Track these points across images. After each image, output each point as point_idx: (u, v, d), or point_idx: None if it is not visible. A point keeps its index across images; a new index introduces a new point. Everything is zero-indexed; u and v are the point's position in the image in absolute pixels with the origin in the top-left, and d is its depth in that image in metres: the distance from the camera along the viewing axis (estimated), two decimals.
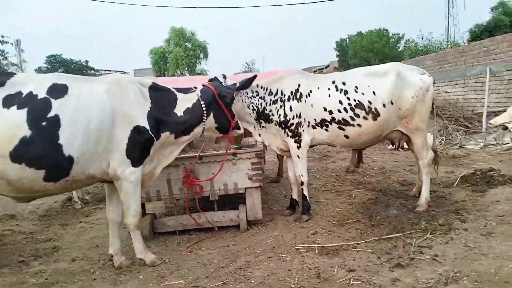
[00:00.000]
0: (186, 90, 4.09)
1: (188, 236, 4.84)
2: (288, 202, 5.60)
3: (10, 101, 3.20)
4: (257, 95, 4.88)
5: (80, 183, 3.62)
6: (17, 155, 3.11)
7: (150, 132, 3.74)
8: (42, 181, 3.28)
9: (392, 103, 4.69)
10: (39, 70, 46.78)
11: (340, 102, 4.72)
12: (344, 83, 4.79)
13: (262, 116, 4.91)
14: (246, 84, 4.59)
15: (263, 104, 4.88)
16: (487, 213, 4.63)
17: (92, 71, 48.28)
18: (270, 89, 4.93)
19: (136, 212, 3.86)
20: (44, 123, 3.21)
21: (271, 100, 4.90)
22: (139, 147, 3.71)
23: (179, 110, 3.97)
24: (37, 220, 6.29)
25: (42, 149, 3.18)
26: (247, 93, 4.83)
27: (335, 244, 4.13)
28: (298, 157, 4.93)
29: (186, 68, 43.05)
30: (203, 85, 4.14)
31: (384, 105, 4.68)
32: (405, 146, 5.99)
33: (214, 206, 4.94)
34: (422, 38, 24.60)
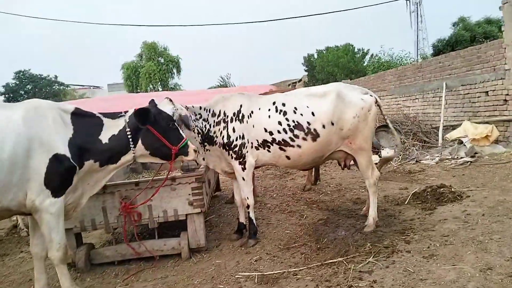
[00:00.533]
0: (114, 115, 3.88)
1: (128, 267, 4.59)
2: None
3: None
4: (200, 117, 4.73)
5: None
6: None
7: (71, 160, 3.52)
8: None
9: (332, 123, 4.63)
10: (7, 86, 45.52)
11: (280, 123, 4.63)
12: (284, 104, 4.71)
13: (207, 139, 4.75)
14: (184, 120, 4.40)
15: (207, 126, 4.73)
16: (432, 233, 4.58)
17: (62, 87, 47.33)
18: (213, 110, 4.80)
19: (59, 246, 3.59)
20: None
21: (214, 121, 4.77)
22: (59, 176, 3.47)
23: (104, 137, 3.75)
24: None
25: None
26: (190, 117, 4.66)
27: (276, 272, 3.98)
28: (243, 179, 4.79)
29: (159, 83, 42.70)
30: (135, 110, 3.92)
31: (323, 126, 4.61)
32: None
33: (155, 233, 4.71)
34: (384, 54, 25.16)
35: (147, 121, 3.76)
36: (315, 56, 32.33)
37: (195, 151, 3.94)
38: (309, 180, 7.49)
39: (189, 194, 4.50)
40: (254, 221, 4.91)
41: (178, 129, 3.94)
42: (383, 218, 5.25)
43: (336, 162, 5.40)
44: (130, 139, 3.76)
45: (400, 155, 9.10)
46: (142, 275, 4.35)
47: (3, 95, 45.22)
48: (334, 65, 27.19)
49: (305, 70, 33.53)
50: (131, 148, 3.78)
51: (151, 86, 41.63)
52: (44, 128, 3.44)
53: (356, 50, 29.19)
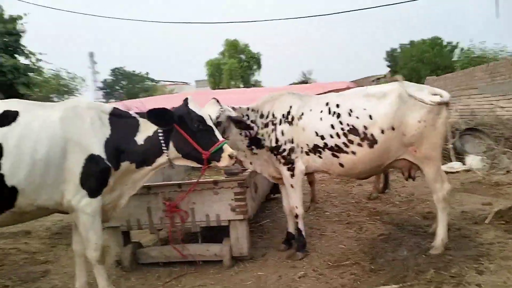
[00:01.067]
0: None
1: (171, 269, 4.52)
2: None
3: None
4: (248, 119, 4.49)
5: (30, 215, 3.44)
6: None
7: (106, 162, 3.48)
8: None
9: (393, 128, 4.08)
10: (104, 82, 49.90)
11: (332, 127, 4.20)
12: (338, 105, 4.26)
13: (254, 142, 4.49)
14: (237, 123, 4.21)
15: (255, 128, 4.47)
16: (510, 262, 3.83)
17: (153, 83, 50.56)
18: (262, 112, 4.53)
19: (96, 246, 3.60)
20: None
21: (262, 123, 4.49)
22: (94, 177, 3.46)
23: (139, 139, 3.66)
24: (48, 238, 6.30)
25: None
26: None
27: None
28: (292, 186, 4.45)
29: (240, 79, 43.58)
30: (148, 110, 3.74)
31: (382, 131, 4.08)
32: None
33: (198, 238, 4.58)
34: (474, 47, 22.54)
35: (165, 122, 3.58)
36: (398, 50, 30.37)
37: (230, 157, 3.63)
38: (376, 188, 6.88)
39: (232, 199, 4.28)
40: (303, 232, 4.55)
41: (212, 132, 3.68)
42: (455, 239, 4.56)
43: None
44: (163, 142, 3.62)
45: (488, 163, 7.99)
46: (183, 280, 4.24)
47: (101, 90, 49.64)
48: (418, 60, 25.12)
49: (388, 66, 31.68)
50: (164, 151, 3.65)
51: (232, 83, 42.64)
52: (80, 129, 3.44)
53: (444, 43, 26.64)
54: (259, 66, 44.70)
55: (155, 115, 3.53)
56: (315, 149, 4.30)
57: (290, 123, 4.36)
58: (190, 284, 4.11)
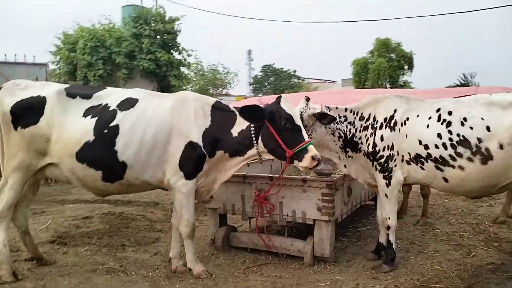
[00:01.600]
0: None
1: (257, 257, 4.76)
2: None
3: (89, 111, 3.84)
4: (345, 120, 4.40)
5: (137, 187, 4.05)
6: (80, 156, 3.73)
7: (202, 149, 3.88)
8: (101, 181, 3.82)
9: None
10: (255, 78, 53.26)
11: (439, 136, 3.82)
12: (450, 113, 3.85)
13: (350, 145, 4.39)
14: (321, 117, 4.21)
15: (352, 130, 4.37)
16: None
17: (299, 80, 51.96)
18: (362, 114, 4.39)
19: (188, 222, 4.05)
20: (105, 131, 3.73)
21: (361, 126, 4.35)
22: (191, 161, 3.89)
23: (235, 131, 3.96)
24: (170, 210, 7.14)
25: (100, 153, 3.71)
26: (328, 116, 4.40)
27: None
28: (387, 196, 4.22)
29: (388, 79, 41.59)
30: (241, 106, 3.97)
31: (501, 146, 3.57)
32: None
33: (284, 231, 4.71)
34: None
35: (256, 119, 3.78)
36: None
37: (313, 158, 3.66)
38: (504, 211, 5.97)
39: (319, 199, 4.28)
40: (394, 245, 4.28)
41: (299, 131, 3.76)
42: None
43: None
44: (253, 136, 3.85)
45: None
46: (264, 268, 4.43)
47: (251, 85, 53.07)
48: None
49: None
50: (254, 144, 3.87)
51: (379, 83, 40.93)
52: (185, 118, 3.91)
53: None
54: (410, 66, 41.87)
55: (246, 111, 3.78)
56: (417, 159, 3.99)
57: (392, 128, 4.12)
58: (269, 274, 4.27)
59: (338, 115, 4.39)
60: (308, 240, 4.47)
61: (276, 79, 52.26)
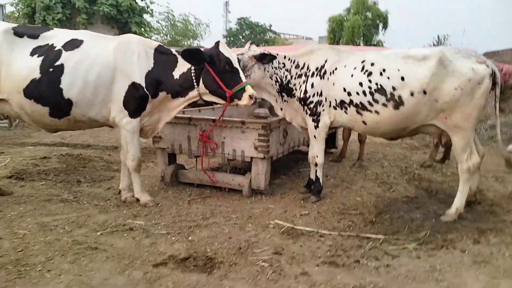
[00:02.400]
0: None
1: (203, 191, 5.23)
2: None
3: (36, 50, 4.06)
4: (284, 66, 4.78)
5: (84, 124, 4.37)
6: (27, 93, 3.99)
7: (145, 90, 4.20)
8: (48, 116, 4.11)
9: (424, 92, 4.02)
10: (230, 31, 52.31)
11: (360, 84, 4.27)
12: (372, 64, 4.29)
13: (285, 90, 4.81)
14: (262, 57, 4.57)
15: (288, 77, 4.76)
16: None
17: (275, 35, 51.41)
18: (298, 62, 4.77)
19: (134, 157, 4.44)
20: (51, 69, 3.98)
21: (296, 73, 4.75)
22: (134, 101, 4.22)
23: (176, 73, 4.29)
24: None
25: (46, 90, 3.98)
26: (272, 63, 4.77)
27: (307, 229, 3.96)
28: (315, 137, 4.71)
29: (362, 38, 41.76)
30: (182, 50, 4.28)
31: (412, 94, 4.05)
32: None
33: (227, 168, 5.19)
34: None
35: (197, 62, 4.13)
36: None
37: (250, 97, 4.11)
38: (431, 157, 6.64)
39: (255, 139, 4.73)
40: (321, 180, 4.84)
41: (237, 73, 4.16)
42: (480, 213, 4.46)
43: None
44: (194, 78, 4.20)
45: None
46: (207, 200, 4.91)
47: (226, 38, 52.20)
48: None
49: None
50: (195, 86, 4.23)
51: (353, 41, 41.09)
52: (128, 60, 4.18)
53: None
54: (385, 26, 42.13)
55: (188, 54, 4.11)
56: (342, 105, 4.45)
57: (322, 76, 4.54)
58: (210, 204, 4.75)
59: (278, 61, 4.76)
60: (247, 175, 4.97)
61: (251, 33, 51.52)
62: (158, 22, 31.84)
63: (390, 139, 4.95)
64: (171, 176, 5.32)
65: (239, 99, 4.20)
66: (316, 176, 4.85)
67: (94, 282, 2.78)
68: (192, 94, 4.35)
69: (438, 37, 39.01)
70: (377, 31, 42.15)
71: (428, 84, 3.98)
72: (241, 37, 51.49)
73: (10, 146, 7.86)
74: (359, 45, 38.84)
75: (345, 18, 41.97)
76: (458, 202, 4.27)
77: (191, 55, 4.13)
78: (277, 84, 4.79)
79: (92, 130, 7.35)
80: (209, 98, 4.42)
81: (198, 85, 4.27)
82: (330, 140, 7.60)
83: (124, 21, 12.06)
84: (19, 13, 11.29)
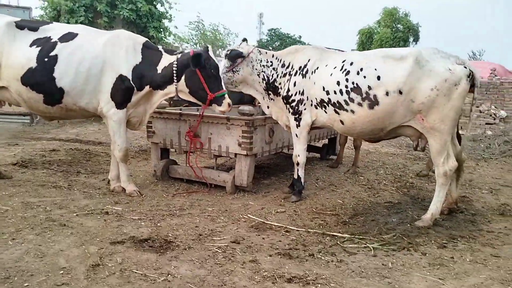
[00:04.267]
0: (172, 52, 4.64)
1: (190, 186, 5.42)
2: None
3: (35, 42, 4.40)
4: (271, 65, 4.92)
5: (76, 113, 4.66)
6: (25, 80, 4.32)
7: (131, 82, 4.46)
8: (42, 103, 4.43)
9: (400, 92, 4.06)
10: (260, 42, 52.95)
11: (338, 83, 4.36)
12: (351, 63, 4.37)
13: (272, 88, 4.94)
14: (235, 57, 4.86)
15: (275, 75, 4.89)
16: (481, 254, 3.60)
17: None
18: (283, 61, 4.91)
19: (120, 147, 4.69)
20: (46, 59, 4.30)
21: (282, 72, 4.88)
22: (121, 93, 4.48)
23: (159, 67, 4.54)
24: (134, 152, 7.79)
25: (41, 78, 4.29)
26: (260, 60, 4.92)
27: (276, 224, 4.06)
28: (297, 135, 4.81)
29: None
30: (192, 51, 4.52)
31: (387, 93, 4.10)
32: None
33: (214, 165, 5.36)
34: None
35: (199, 65, 4.38)
36: None
37: (228, 104, 4.49)
38: (428, 166, 6.55)
39: (240, 136, 4.88)
40: (302, 179, 4.92)
41: (220, 80, 4.51)
42: (460, 221, 4.39)
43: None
44: (174, 74, 4.44)
45: None
46: (193, 194, 5.08)
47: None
48: None
49: None
50: (174, 81, 4.47)
51: None
52: (116, 54, 4.46)
53: None
54: (416, 39, 41.60)
55: (196, 57, 4.39)
56: (322, 104, 4.55)
57: (304, 75, 4.66)
58: (194, 198, 4.92)
59: (266, 59, 4.93)
60: (231, 172, 5.12)
61: (281, 44, 51.97)
62: (189, 32, 32.77)
63: (370, 141, 4.98)
64: (162, 170, 5.54)
65: (219, 104, 4.57)
66: (298, 176, 4.93)
67: (50, 252, 2.99)
68: (170, 89, 4.61)
69: (473, 53, 38.01)
70: (408, 44, 41.58)
71: (404, 84, 4.02)
72: (270, 48, 51.99)
73: (27, 139, 8.34)
74: None
75: (376, 31, 41.74)
76: (434, 207, 4.24)
77: (200, 59, 4.41)
78: (264, 82, 4.93)
79: (107, 129, 7.73)
80: (185, 97, 4.66)
81: (178, 81, 4.51)
82: (330, 147, 7.65)
83: (143, 25, 12.57)
84: (47, 16, 12.00)
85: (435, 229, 4.13)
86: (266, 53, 4.97)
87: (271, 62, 4.93)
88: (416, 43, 41.06)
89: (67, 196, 4.56)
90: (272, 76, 4.89)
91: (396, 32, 40.13)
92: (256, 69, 4.92)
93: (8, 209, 3.88)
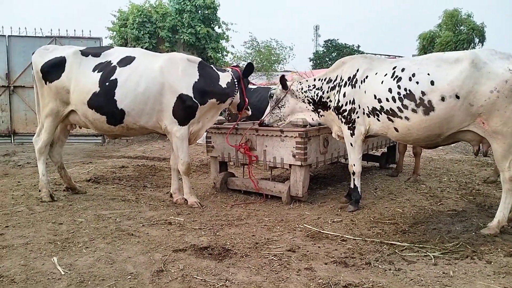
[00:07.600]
0: (221, 70, 5.09)
1: (248, 197, 5.59)
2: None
3: (97, 67, 4.84)
4: (314, 87, 5.07)
5: (136, 131, 5.02)
6: (90, 104, 4.74)
7: (193, 99, 4.76)
8: (106, 123, 4.83)
9: (457, 97, 3.94)
10: (316, 53, 52.87)
11: (390, 90, 4.32)
12: (403, 70, 4.32)
13: (320, 105, 5.03)
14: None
15: (320, 94, 5.02)
16: None
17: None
18: (329, 77, 5.00)
19: (183, 162, 4.98)
20: (107, 83, 4.70)
21: (329, 87, 4.95)
22: (183, 110, 4.78)
23: (223, 83, 4.93)
24: (195, 166, 8.19)
25: (104, 101, 4.70)
26: (301, 89, 5.15)
27: (332, 233, 4.07)
28: (351, 145, 4.81)
29: None
30: (232, 68, 4.94)
31: (443, 99, 4.00)
32: None
33: (270, 176, 5.48)
34: None
35: (250, 73, 5.08)
36: None
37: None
38: (496, 172, 6.17)
39: (293, 147, 4.97)
40: (358, 189, 4.88)
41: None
42: None
43: None
44: (236, 87, 4.92)
45: None
46: (250, 205, 5.24)
47: (312, 61, 52.82)
48: None
49: None
50: (235, 94, 4.84)
51: None
52: (174, 75, 4.78)
53: None
54: (481, 40, 39.27)
55: (250, 67, 5.20)
56: (374, 112, 4.52)
57: (353, 85, 4.67)
58: (251, 208, 5.07)
59: (308, 85, 5.11)
60: (286, 182, 5.20)
61: (338, 54, 51.45)
62: (245, 50, 33.53)
63: (426, 147, 4.83)
64: (221, 183, 5.76)
65: (248, 109, 5.24)
66: (354, 185, 4.90)
67: (119, 259, 3.26)
68: (228, 102, 5.02)
69: None
70: (473, 46, 39.31)
71: (461, 88, 3.90)
72: (327, 59, 51.65)
73: (99, 158, 9.05)
74: None
75: (437, 34, 39.98)
76: (500, 214, 4.02)
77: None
78: (311, 104, 5.09)
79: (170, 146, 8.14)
80: (231, 107, 5.24)
81: (237, 94, 4.98)
82: (390, 156, 7.49)
83: (202, 47, 13.20)
84: (115, 45, 13.03)
85: (502, 237, 3.91)
86: (307, 80, 5.21)
87: (313, 85, 5.10)
88: (482, 45, 38.82)
89: (134, 208, 4.90)
90: (317, 95, 5.03)
91: (459, 34, 38.22)
92: (299, 98, 5.18)
93: (82, 220, 4.27)
